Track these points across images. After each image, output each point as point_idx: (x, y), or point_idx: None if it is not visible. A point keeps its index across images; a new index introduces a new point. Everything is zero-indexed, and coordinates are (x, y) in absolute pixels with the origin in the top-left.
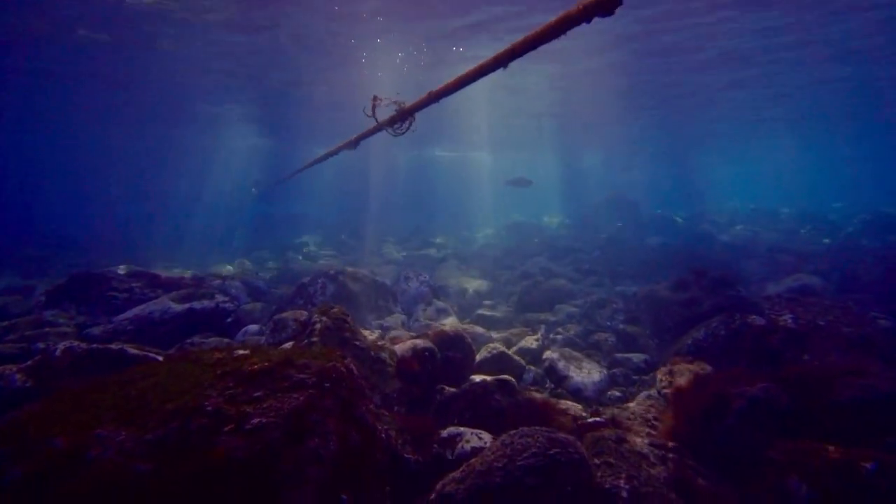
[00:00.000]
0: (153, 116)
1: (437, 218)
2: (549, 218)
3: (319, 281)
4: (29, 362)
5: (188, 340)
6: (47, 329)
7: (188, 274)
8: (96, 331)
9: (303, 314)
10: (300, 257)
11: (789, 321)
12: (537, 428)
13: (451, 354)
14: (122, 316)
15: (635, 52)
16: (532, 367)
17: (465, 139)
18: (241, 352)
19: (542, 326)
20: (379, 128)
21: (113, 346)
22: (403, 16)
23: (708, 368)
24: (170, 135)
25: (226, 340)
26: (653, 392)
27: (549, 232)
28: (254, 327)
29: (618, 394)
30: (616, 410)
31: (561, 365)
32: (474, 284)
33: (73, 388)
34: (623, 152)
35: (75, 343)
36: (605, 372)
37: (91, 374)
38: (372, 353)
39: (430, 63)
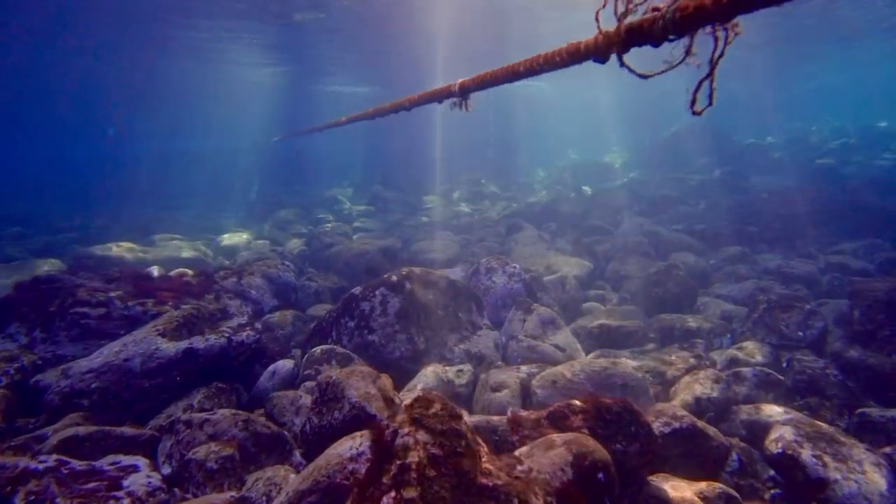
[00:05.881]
0: (149, 42)
1: (483, 160)
2: (610, 156)
3: (378, 294)
4: None
5: (182, 417)
6: None
7: (193, 253)
8: (50, 379)
9: (370, 389)
10: (331, 218)
11: None
12: None
13: (620, 448)
14: (85, 365)
15: None
16: (730, 441)
17: None
18: None
19: (700, 343)
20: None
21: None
22: None
23: None
24: (173, 66)
25: (243, 417)
26: None
27: (619, 173)
28: (285, 367)
29: None
30: None
31: (809, 457)
32: (571, 267)
33: None
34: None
35: None
36: (887, 465)
37: None
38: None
39: None
